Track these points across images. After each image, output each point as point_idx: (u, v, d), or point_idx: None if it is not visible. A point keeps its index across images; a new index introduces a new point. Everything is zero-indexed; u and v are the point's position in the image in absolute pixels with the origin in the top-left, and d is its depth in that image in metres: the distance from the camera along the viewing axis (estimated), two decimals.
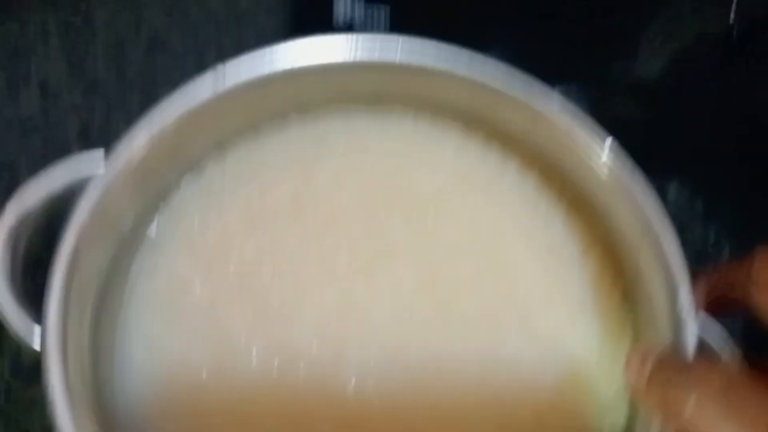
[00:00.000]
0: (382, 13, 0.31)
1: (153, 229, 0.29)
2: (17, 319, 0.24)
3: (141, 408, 0.27)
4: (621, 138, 0.26)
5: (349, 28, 0.31)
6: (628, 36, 0.32)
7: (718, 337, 0.25)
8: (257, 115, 0.30)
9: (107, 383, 0.27)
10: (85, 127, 0.38)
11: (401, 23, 0.31)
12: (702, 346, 0.25)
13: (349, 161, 0.30)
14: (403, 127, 0.31)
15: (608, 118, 0.26)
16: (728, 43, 0.31)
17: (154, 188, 0.28)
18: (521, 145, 0.29)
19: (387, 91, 0.29)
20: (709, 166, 0.38)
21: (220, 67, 0.26)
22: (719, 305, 0.24)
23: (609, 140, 0.26)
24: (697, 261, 0.32)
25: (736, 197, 0.38)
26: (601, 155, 0.25)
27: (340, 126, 0.31)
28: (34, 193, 0.24)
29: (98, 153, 0.25)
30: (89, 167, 0.25)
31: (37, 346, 0.23)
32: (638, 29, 0.32)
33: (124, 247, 0.28)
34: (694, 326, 0.24)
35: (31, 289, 0.25)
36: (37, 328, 0.24)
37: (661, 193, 0.37)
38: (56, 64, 0.38)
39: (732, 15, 0.31)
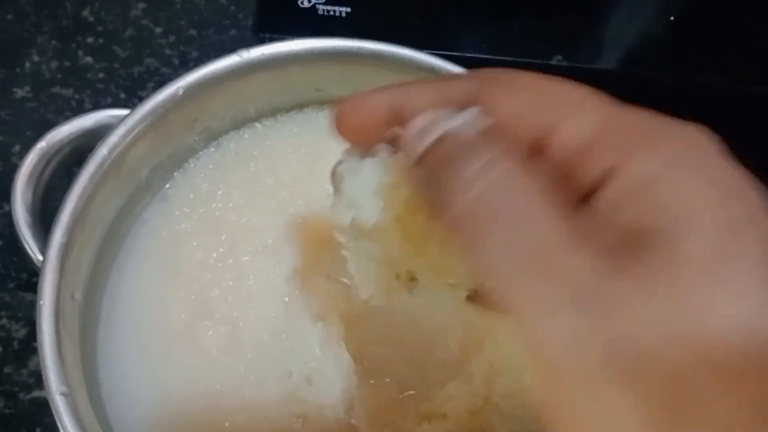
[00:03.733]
0: (343, 12, 0.33)
1: (166, 189, 0.31)
2: (29, 239, 0.25)
3: (120, 342, 0.28)
4: None
5: (312, 9, 0.32)
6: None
7: None
8: (277, 103, 0.33)
9: (94, 317, 0.28)
10: None
11: (359, 23, 0.33)
12: None
13: None
14: None
15: None
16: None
17: (173, 149, 0.30)
18: None
19: None
20: None
21: (245, 50, 0.29)
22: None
23: None
24: None
25: None
26: None
27: None
28: (67, 127, 0.26)
29: (127, 110, 0.28)
30: (119, 114, 0.27)
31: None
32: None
33: (136, 199, 0.30)
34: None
35: (48, 219, 0.27)
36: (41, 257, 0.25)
37: None
38: None
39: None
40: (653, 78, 0.33)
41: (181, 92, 0.28)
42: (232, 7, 0.42)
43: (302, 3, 0.32)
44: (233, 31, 0.42)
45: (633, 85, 0.33)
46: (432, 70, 0.30)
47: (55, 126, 0.37)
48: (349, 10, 0.32)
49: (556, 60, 0.32)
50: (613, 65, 0.33)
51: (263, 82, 0.31)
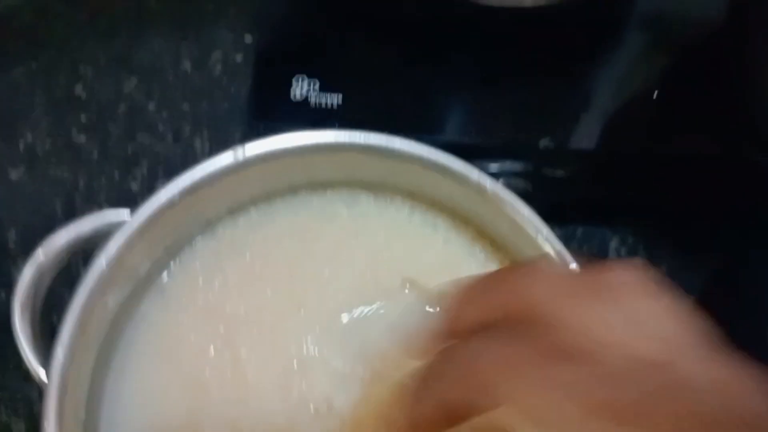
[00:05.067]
0: (335, 99, 0.34)
1: (163, 280, 0.31)
2: (30, 355, 0.26)
3: None
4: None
5: (305, 101, 0.33)
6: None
7: None
8: (271, 188, 0.33)
9: (95, 421, 0.28)
10: None
11: (350, 110, 0.34)
12: None
13: (347, 238, 0.33)
14: (400, 214, 0.34)
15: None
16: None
17: (170, 242, 0.31)
18: (502, 248, 0.32)
19: (389, 181, 0.33)
20: (646, 216, 0.41)
21: (240, 147, 0.29)
22: None
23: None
24: None
25: (673, 240, 0.41)
26: None
27: (344, 206, 0.34)
28: (64, 234, 0.27)
29: (124, 210, 0.28)
30: (116, 218, 0.28)
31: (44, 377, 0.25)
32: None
33: (134, 295, 0.30)
34: None
35: (47, 325, 0.27)
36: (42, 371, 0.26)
37: (604, 245, 0.41)
38: None
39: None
40: (639, 155, 0.33)
41: (177, 197, 0.28)
42: (224, 79, 0.43)
43: (294, 97, 0.32)
44: (226, 104, 0.42)
45: (619, 162, 0.34)
46: (420, 160, 0.30)
47: (49, 207, 0.37)
48: (340, 101, 0.32)
49: (543, 143, 0.32)
50: (600, 145, 0.33)
51: (258, 173, 0.31)
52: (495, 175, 0.33)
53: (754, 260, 0.40)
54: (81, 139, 0.40)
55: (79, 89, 0.42)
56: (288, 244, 0.33)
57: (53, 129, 0.41)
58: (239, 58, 0.44)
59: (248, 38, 0.44)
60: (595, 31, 0.36)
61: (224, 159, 0.29)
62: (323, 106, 0.32)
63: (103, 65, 0.43)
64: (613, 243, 0.42)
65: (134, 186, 0.40)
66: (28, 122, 0.41)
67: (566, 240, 0.40)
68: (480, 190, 0.29)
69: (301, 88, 0.33)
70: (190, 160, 0.40)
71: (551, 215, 0.31)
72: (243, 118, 0.42)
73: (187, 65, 0.43)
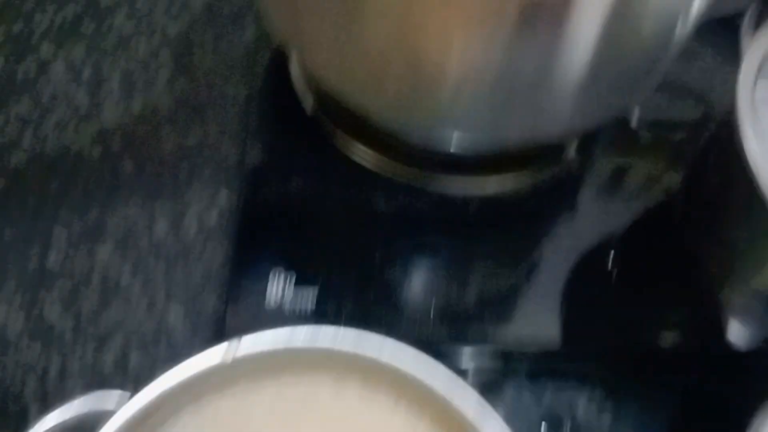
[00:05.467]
0: (310, 293, 0.35)
1: None
2: None
3: None
4: None
5: (279, 308, 0.35)
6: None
7: None
8: (258, 367, 0.33)
9: None
10: None
11: (325, 303, 0.35)
12: None
13: (331, 423, 0.33)
14: (386, 402, 0.34)
15: None
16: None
17: (159, 418, 0.30)
18: None
19: (375, 368, 0.33)
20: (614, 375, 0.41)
21: (234, 342, 0.29)
22: None
23: None
24: None
25: (642, 403, 0.42)
26: None
27: (331, 388, 0.34)
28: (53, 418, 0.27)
29: (115, 392, 0.28)
30: (107, 404, 0.28)
31: None
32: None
33: None
34: None
35: None
36: None
37: (573, 402, 0.41)
38: None
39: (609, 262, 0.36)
40: (600, 347, 0.35)
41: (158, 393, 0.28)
42: (199, 243, 0.43)
43: (269, 304, 0.34)
44: (200, 269, 0.42)
45: (580, 359, 0.35)
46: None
47: (20, 389, 0.36)
48: (314, 307, 0.34)
49: (511, 331, 0.34)
50: (564, 338, 0.35)
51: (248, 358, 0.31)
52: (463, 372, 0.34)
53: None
54: (54, 314, 0.40)
55: (51, 260, 0.42)
56: (272, 426, 0.32)
57: (25, 305, 0.40)
58: (213, 219, 0.45)
59: (222, 199, 0.46)
60: (553, 212, 0.39)
61: (209, 361, 0.29)
62: (297, 314, 0.34)
63: (77, 233, 0.43)
64: (582, 400, 0.42)
65: (107, 364, 0.39)
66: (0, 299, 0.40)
67: (536, 401, 0.41)
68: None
69: (278, 282, 0.34)
70: (162, 335, 0.40)
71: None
72: (217, 285, 0.42)
73: (161, 229, 0.44)
